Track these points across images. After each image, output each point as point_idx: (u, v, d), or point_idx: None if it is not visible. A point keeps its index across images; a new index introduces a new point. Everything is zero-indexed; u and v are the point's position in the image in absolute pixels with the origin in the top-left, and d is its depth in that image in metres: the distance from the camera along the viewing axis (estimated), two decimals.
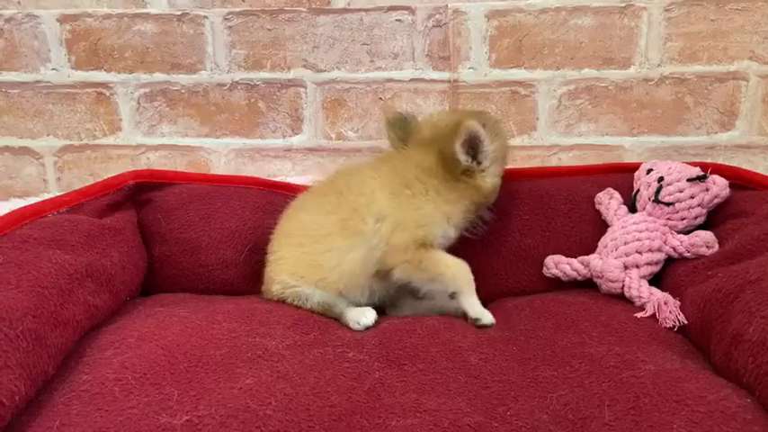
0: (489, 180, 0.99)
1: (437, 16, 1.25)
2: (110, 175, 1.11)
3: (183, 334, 0.78)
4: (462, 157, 0.95)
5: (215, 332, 0.80)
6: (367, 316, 0.91)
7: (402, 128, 1.05)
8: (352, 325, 0.91)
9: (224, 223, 1.11)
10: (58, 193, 1.18)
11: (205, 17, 1.28)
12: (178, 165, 1.36)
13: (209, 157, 1.36)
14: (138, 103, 1.34)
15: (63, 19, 1.31)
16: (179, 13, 1.28)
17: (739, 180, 1.00)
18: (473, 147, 0.95)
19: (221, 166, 1.36)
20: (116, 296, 0.90)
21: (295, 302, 0.96)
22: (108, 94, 1.34)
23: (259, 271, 1.08)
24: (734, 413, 0.59)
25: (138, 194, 1.12)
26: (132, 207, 1.11)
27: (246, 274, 1.09)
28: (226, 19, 1.28)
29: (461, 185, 0.98)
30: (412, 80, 1.29)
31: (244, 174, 1.34)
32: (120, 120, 1.35)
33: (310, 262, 0.98)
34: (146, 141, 1.36)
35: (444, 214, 0.97)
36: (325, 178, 1.10)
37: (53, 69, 1.33)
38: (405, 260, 0.94)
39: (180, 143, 1.36)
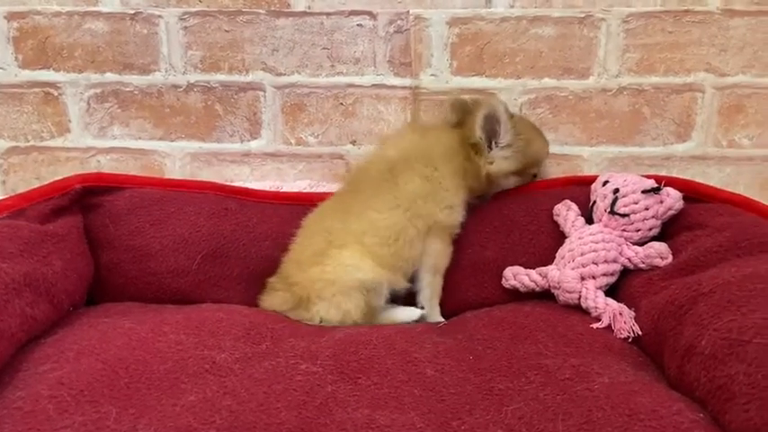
0: (494, 166, 1.06)
1: (399, 22, 1.24)
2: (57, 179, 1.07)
3: (126, 347, 0.75)
4: (478, 132, 1.04)
5: (160, 345, 0.76)
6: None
7: (462, 112, 1.12)
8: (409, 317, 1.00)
9: (176, 229, 1.07)
10: (2, 197, 1.13)
11: (159, 17, 1.24)
12: (130, 168, 1.31)
13: (164, 161, 1.32)
14: (88, 104, 1.29)
15: (10, 16, 1.25)
16: (132, 11, 1.24)
17: (693, 193, 1.01)
18: (491, 126, 1.03)
19: (176, 170, 1.32)
20: (57, 306, 0.86)
21: (370, 300, 0.96)
22: (56, 94, 1.29)
23: (212, 279, 1.05)
24: (686, 429, 0.59)
25: (86, 199, 1.08)
26: (78, 212, 1.06)
27: (199, 283, 1.06)
28: (181, 19, 1.24)
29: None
30: (373, 86, 1.28)
31: (200, 179, 1.30)
32: (69, 121, 1.30)
33: (392, 256, 1.00)
34: (96, 144, 1.31)
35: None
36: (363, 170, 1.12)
37: None
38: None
39: (132, 146, 1.31)
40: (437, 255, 1.05)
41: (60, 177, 1.08)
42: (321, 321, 0.96)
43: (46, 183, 1.05)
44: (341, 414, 0.66)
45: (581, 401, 0.66)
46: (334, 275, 0.96)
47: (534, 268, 1.03)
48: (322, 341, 0.85)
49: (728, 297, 0.68)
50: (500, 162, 1.07)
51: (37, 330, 0.80)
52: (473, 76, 1.26)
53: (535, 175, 1.17)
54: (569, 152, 1.29)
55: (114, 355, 0.72)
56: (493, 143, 1.06)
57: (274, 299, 1.01)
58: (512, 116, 1.07)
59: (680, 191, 0.99)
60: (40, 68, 1.28)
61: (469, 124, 1.07)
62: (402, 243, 1.01)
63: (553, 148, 1.29)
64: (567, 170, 1.28)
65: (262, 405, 0.66)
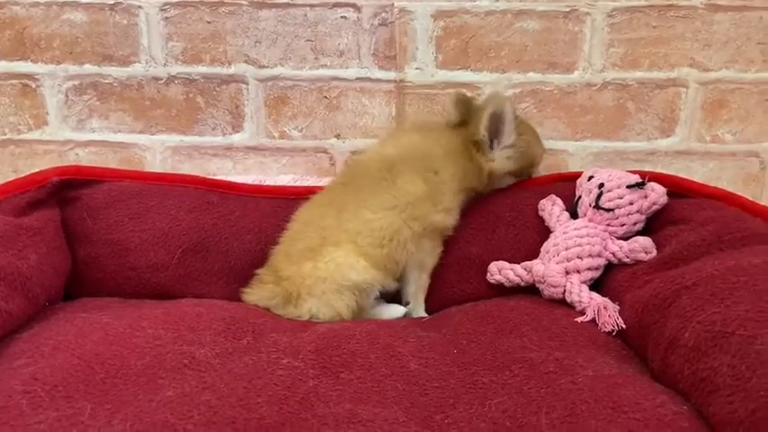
0: (496, 164, 1.06)
1: (383, 14, 1.23)
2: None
3: (102, 342, 0.73)
4: (482, 130, 1.03)
5: (138, 340, 0.75)
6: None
7: (466, 109, 1.11)
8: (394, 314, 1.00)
9: (156, 223, 1.05)
10: None
11: (139, 7, 1.22)
12: (110, 162, 1.29)
13: (144, 155, 1.30)
14: (67, 96, 1.27)
15: None
16: (111, 2, 1.22)
17: (677, 188, 1.01)
18: (496, 125, 1.04)
19: (157, 164, 1.30)
20: (32, 301, 0.84)
21: (360, 299, 0.96)
22: (34, 86, 1.26)
23: (193, 273, 1.04)
24: (670, 421, 0.59)
25: (63, 192, 1.05)
26: (56, 205, 1.04)
27: (179, 277, 1.04)
28: (162, 10, 1.22)
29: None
30: (358, 79, 1.26)
31: (181, 173, 1.28)
32: (47, 113, 1.28)
33: (385, 257, 0.99)
34: (74, 137, 1.28)
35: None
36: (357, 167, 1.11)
37: None
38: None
39: (112, 139, 1.29)
40: (426, 253, 1.04)
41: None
42: (311, 318, 0.95)
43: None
44: (322, 408, 0.65)
45: (565, 394, 0.65)
46: (327, 273, 0.95)
47: (519, 263, 1.02)
48: (304, 336, 0.84)
49: (712, 290, 0.68)
50: (501, 161, 1.07)
51: (12, 325, 0.78)
52: (458, 69, 1.25)
53: (530, 176, 1.17)
54: (554, 147, 1.28)
55: (90, 351, 0.71)
56: (495, 142, 1.06)
57: (263, 291, 0.99)
58: (516, 116, 1.07)
59: (664, 186, 0.99)
60: (17, 60, 1.25)
61: (474, 121, 1.06)
62: (396, 244, 0.99)
63: None
64: (553, 165, 1.27)
65: (242, 400, 0.64)
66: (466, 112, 1.10)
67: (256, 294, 1.00)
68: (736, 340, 0.59)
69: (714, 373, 0.60)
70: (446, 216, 1.04)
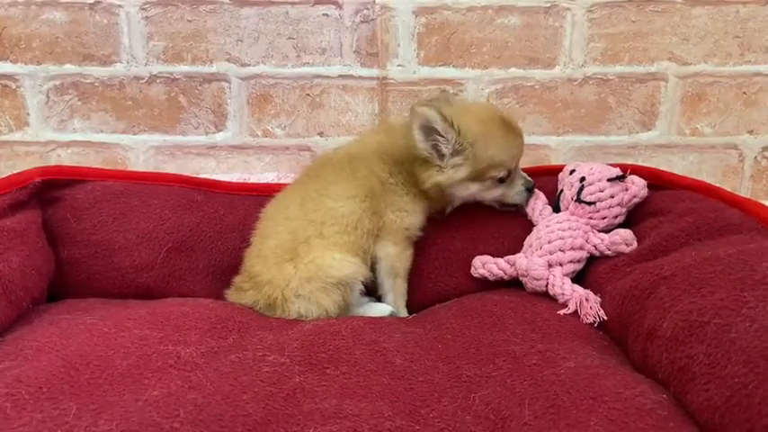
0: (443, 175, 0.98)
1: (365, 12, 1.23)
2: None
3: (87, 343, 0.73)
4: (421, 146, 0.97)
5: (123, 340, 0.75)
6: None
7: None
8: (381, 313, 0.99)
9: (140, 223, 1.05)
10: None
11: (120, 6, 1.21)
12: (92, 162, 1.28)
13: (127, 155, 1.29)
14: (48, 97, 1.26)
15: None
16: (91, 1, 1.21)
17: (656, 180, 1.03)
18: (431, 136, 0.96)
19: (140, 164, 1.30)
20: (15, 304, 0.84)
21: (345, 294, 0.96)
22: (14, 86, 1.25)
23: (178, 272, 1.04)
24: (649, 409, 0.60)
25: (46, 193, 1.05)
26: (37, 206, 1.03)
27: (164, 277, 1.04)
28: (142, 9, 1.22)
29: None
30: (340, 76, 1.27)
31: (164, 172, 1.27)
32: (28, 114, 1.27)
33: (353, 244, 0.99)
34: (56, 137, 1.28)
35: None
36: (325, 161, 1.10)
37: None
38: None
39: (94, 139, 1.28)
40: (393, 258, 1.03)
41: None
42: (299, 318, 0.95)
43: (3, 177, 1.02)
44: (309, 404, 0.65)
45: (547, 386, 0.66)
46: (310, 273, 0.95)
47: (503, 257, 1.03)
48: (290, 333, 0.85)
49: (689, 280, 0.70)
50: (450, 171, 0.98)
51: None
52: (440, 66, 1.26)
53: (502, 179, 1.02)
54: (537, 142, 1.30)
55: (75, 352, 0.71)
56: (441, 152, 0.98)
57: (243, 299, 0.98)
58: (449, 121, 0.95)
59: (644, 178, 1.00)
60: None
61: (411, 143, 0.98)
62: (360, 233, 1.00)
63: None
64: (535, 159, 1.29)
65: (227, 397, 0.65)
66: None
67: (237, 302, 1.00)
68: (712, 329, 0.61)
69: (691, 361, 0.61)
70: (402, 217, 1.02)
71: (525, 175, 1.07)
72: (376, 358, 0.76)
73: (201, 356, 0.74)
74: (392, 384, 0.70)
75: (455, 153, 0.97)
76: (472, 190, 1.02)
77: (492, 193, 1.04)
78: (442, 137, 0.96)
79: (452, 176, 0.98)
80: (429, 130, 0.95)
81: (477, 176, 1.00)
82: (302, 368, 0.73)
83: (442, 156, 0.97)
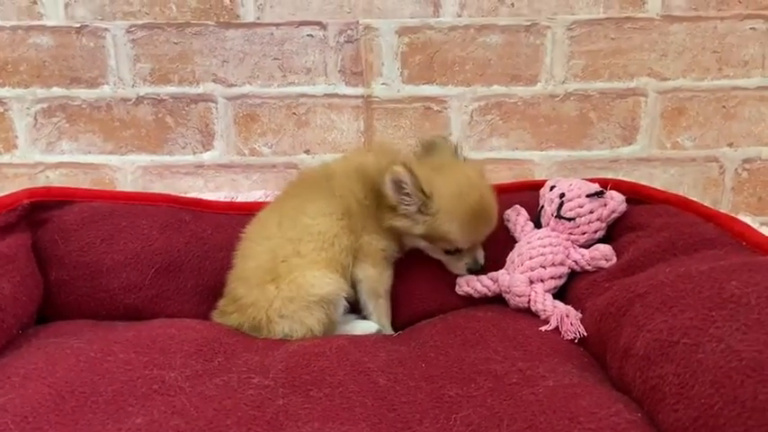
0: (398, 221, 0.99)
1: (348, 32, 1.25)
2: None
3: (73, 369, 0.74)
4: (392, 196, 0.97)
5: (109, 365, 0.75)
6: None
7: (431, 151, 1.07)
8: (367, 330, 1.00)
9: (128, 244, 1.06)
10: None
11: (106, 30, 1.23)
12: (81, 183, 1.30)
13: (115, 175, 1.30)
14: (36, 119, 1.27)
15: None
16: (77, 25, 1.22)
17: (635, 194, 1.04)
18: (401, 189, 0.96)
19: (128, 184, 1.31)
20: (6, 331, 0.84)
21: (329, 312, 0.96)
22: (2, 109, 1.26)
23: (166, 293, 1.04)
24: (623, 429, 0.61)
25: (34, 214, 1.05)
26: (27, 229, 1.03)
27: (152, 297, 1.04)
28: (128, 32, 1.23)
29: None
30: (325, 95, 1.28)
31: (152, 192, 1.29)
32: (16, 137, 1.28)
33: (331, 260, 1.00)
34: (44, 159, 1.29)
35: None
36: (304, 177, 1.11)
37: None
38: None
39: (82, 161, 1.29)
40: (372, 281, 1.04)
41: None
42: (284, 338, 0.96)
43: None
44: (291, 428, 0.66)
45: (526, 406, 0.68)
46: (292, 293, 0.96)
47: (486, 274, 1.05)
48: (276, 354, 0.86)
49: (661, 298, 0.71)
50: (408, 222, 0.99)
51: None
52: (424, 84, 1.28)
53: (449, 252, 1.03)
54: (520, 157, 1.32)
55: (61, 378, 0.71)
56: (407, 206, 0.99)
57: (229, 322, 0.99)
58: (419, 186, 0.96)
59: (623, 193, 1.02)
60: None
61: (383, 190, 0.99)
62: (338, 249, 1.01)
63: (504, 153, 1.32)
64: (519, 174, 1.31)
65: (211, 423, 0.66)
66: (429, 153, 1.07)
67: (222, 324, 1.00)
68: (681, 349, 0.62)
69: (662, 381, 0.62)
70: (377, 239, 1.03)
71: (481, 255, 1.06)
72: (359, 379, 0.77)
73: (186, 380, 0.75)
74: (375, 406, 0.71)
75: (418, 212, 0.98)
76: (421, 245, 1.04)
77: (437, 255, 1.06)
78: (410, 197, 0.97)
79: (408, 228, 1.00)
80: (400, 188, 0.97)
81: (428, 239, 1.02)
82: (286, 390, 0.74)
83: (406, 208, 0.98)
